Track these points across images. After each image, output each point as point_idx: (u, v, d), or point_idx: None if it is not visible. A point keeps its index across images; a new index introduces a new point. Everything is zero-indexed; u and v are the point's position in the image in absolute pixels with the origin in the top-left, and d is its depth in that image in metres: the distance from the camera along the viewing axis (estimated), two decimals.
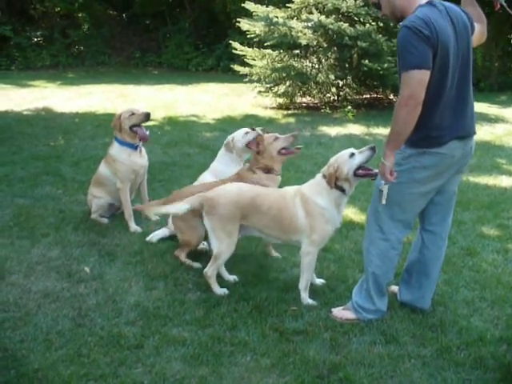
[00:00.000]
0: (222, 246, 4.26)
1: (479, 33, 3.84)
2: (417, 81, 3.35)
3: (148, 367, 3.45)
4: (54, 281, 4.52)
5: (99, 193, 5.80)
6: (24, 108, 12.00)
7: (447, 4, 3.57)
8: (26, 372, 3.35)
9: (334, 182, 4.05)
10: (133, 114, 5.63)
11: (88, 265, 4.79)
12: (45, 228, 5.54)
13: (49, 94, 14.08)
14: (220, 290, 4.34)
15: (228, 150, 5.35)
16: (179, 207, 4.31)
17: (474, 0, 3.87)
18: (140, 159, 5.75)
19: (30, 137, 9.43)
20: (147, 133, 5.67)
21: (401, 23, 3.50)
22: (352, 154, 4.05)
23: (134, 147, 5.67)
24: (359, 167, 4.04)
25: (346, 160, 4.05)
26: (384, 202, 3.66)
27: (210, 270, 4.34)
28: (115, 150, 5.69)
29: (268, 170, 4.88)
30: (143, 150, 5.82)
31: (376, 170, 3.98)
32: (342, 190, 4.10)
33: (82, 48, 20.98)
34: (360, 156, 4.03)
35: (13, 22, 19.87)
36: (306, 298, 4.23)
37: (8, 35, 19.21)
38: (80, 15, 21.80)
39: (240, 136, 5.32)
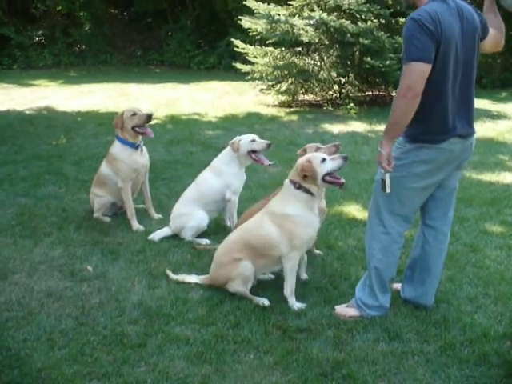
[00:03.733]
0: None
1: (494, 41, 3.82)
2: (416, 73, 3.39)
3: (151, 366, 3.45)
4: (57, 280, 4.53)
5: (101, 192, 5.80)
6: (26, 107, 12.00)
7: (460, 2, 3.58)
8: (30, 371, 3.35)
9: (300, 185, 4.02)
10: (135, 114, 5.60)
11: (91, 264, 4.79)
12: (47, 227, 5.54)
13: (51, 93, 14.07)
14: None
15: (232, 150, 5.32)
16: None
17: (496, 8, 3.84)
18: (141, 158, 5.72)
19: (32, 136, 9.44)
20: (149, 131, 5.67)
21: (408, 17, 3.51)
22: (323, 160, 4.03)
23: (135, 146, 5.65)
24: (328, 173, 4.02)
25: (317, 164, 4.01)
26: (388, 190, 3.64)
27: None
28: (116, 148, 5.68)
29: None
30: (144, 149, 5.80)
31: (343, 180, 4.06)
32: (310, 193, 4.06)
33: (83, 47, 20.98)
34: (331, 163, 4.01)
35: (14, 21, 19.84)
36: (294, 303, 4.13)
37: (9, 35, 19.16)
38: (81, 14, 21.78)
39: (246, 141, 5.26)
